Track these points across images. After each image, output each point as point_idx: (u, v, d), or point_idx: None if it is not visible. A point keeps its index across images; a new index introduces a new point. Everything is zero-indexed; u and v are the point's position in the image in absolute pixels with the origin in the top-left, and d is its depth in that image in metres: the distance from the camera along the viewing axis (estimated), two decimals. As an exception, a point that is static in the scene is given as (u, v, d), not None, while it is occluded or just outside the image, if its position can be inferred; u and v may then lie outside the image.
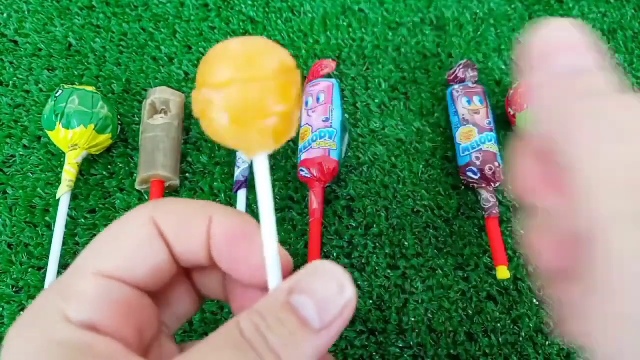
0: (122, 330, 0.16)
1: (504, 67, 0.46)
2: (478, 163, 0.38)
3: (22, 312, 0.34)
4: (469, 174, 0.39)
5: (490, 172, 0.38)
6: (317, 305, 0.15)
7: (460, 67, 0.42)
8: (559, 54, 0.14)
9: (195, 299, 0.20)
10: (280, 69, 0.16)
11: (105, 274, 0.16)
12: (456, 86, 0.42)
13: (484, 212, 0.38)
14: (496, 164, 0.38)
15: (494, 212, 0.38)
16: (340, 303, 0.15)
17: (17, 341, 0.15)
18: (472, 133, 0.39)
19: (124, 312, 0.16)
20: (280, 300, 0.15)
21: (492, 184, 0.38)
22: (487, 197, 0.38)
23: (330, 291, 0.15)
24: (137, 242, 0.17)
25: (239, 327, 0.14)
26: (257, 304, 0.15)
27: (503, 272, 0.36)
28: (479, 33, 0.48)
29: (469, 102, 0.41)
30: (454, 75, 0.43)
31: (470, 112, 0.40)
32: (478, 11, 0.49)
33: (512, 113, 0.41)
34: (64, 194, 0.37)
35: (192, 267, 0.19)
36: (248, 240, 0.17)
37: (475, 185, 0.39)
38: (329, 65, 0.43)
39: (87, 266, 0.16)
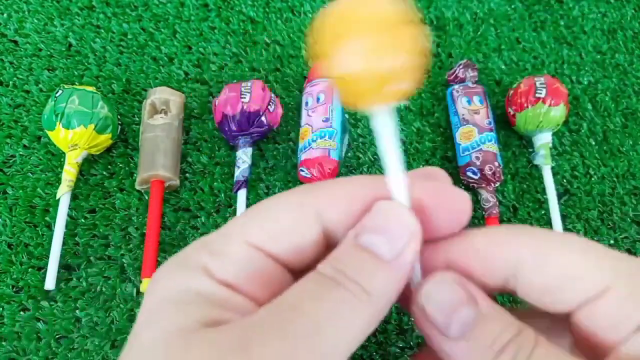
0: (257, 295, 0.17)
1: (504, 67, 0.46)
2: (478, 163, 0.38)
3: (22, 312, 0.35)
4: (469, 174, 0.39)
5: (490, 172, 0.38)
6: (384, 239, 0.16)
7: (460, 67, 0.42)
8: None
9: None
10: (408, 25, 0.16)
11: (253, 244, 0.17)
12: (456, 86, 0.42)
13: (484, 212, 0.38)
14: (496, 164, 0.38)
15: (494, 212, 0.38)
16: (405, 233, 0.16)
17: (161, 284, 0.16)
18: (472, 133, 0.39)
19: (262, 281, 0.17)
20: (349, 244, 0.16)
21: (492, 184, 0.38)
22: (487, 197, 0.38)
23: (393, 225, 0.16)
24: (292, 222, 0.17)
25: (318, 272, 0.16)
26: (329, 254, 0.16)
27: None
28: (479, 33, 0.48)
29: (469, 102, 0.41)
30: (454, 75, 0.43)
31: (470, 112, 0.40)
32: (478, 11, 0.49)
33: (512, 113, 0.41)
34: (64, 194, 0.37)
35: None
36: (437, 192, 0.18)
37: (475, 185, 0.39)
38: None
39: (237, 233, 0.17)
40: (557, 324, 0.18)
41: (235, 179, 0.38)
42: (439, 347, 0.16)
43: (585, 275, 0.16)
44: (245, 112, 0.38)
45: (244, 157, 0.39)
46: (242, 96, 0.39)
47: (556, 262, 0.16)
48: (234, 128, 0.39)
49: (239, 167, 0.39)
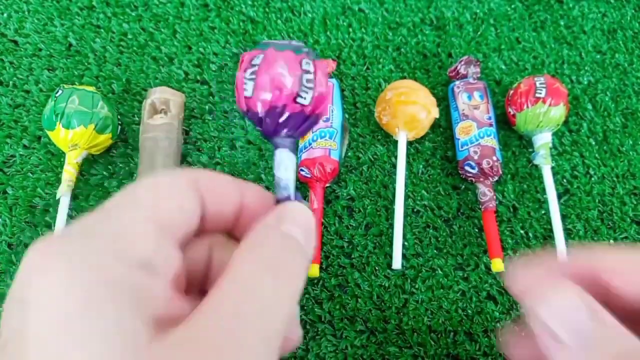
0: (171, 274, 0.16)
1: (504, 67, 0.46)
2: (476, 157, 0.38)
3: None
4: (467, 168, 0.39)
5: (487, 166, 0.38)
6: (300, 230, 0.18)
7: (462, 63, 0.42)
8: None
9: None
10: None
11: (156, 221, 0.16)
12: (457, 82, 0.42)
13: (480, 206, 0.38)
14: (494, 158, 0.38)
15: (491, 205, 0.38)
16: (312, 228, 0.19)
17: (58, 272, 0.13)
18: (471, 128, 0.39)
19: (173, 258, 0.16)
20: (276, 233, 0.18)
21: (490, 178, 0.39)
22: (484, 190, 0.38)
23: (305, 221, 0.19)
24: (181, 198, 0.17)
25: (253, 265, 0.16)
26: (253, 240, 0.17)
27: (497, 265, 0.36)
28: (479, 33, 0.48)
29: (469, 97, 0.41)
30: (455, 71, 0.43)
31: (470, 107, 0.40)
32: (478, 11, 0.49)
33: (512, 113, 0.41)
34: (64, 194, 0.36)
35: (211, 230, 0.20)
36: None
37: (473, 179, 0.39)
38: (329, 65, 0.43)
39: (137, 211, 0.16)
40: None
41: (277, 192, 0.24)
42: (551, 353, 0.16)
43: None
44: (306, 111, 0.22)
45: (287, 162, 0.24)
46: (303, 94, 0.22)
47: None
48: (284, 126, 0.23)
49: (280, 178, 0.23)
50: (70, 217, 0.38)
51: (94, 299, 0.13)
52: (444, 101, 0.44)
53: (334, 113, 0.40)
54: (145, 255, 0.15)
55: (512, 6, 0.49)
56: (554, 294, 0.16)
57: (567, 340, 0.16)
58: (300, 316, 0.35)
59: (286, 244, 0.18)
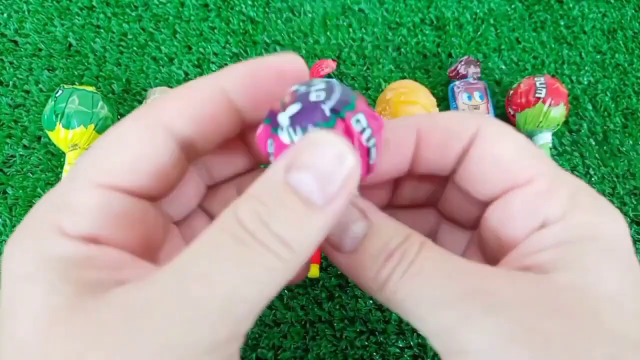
0: (127, 240, 0.15)
1: (504, 67, 0.46)
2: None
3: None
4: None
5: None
6: (317, 180, 0.13)
7: (462, 63, 0.42)
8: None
9: (201, 188, 0.19)
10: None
11: (104, 184, 0.15)
12: (457, 82, 0.42)
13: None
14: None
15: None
16: (342, 174, 0.13)
17: (13, 259, 0.14)
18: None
19: (126, 223, 0.15)
20: (277, 181, 0.13)
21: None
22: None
23: (329, 163, 0.13)
24: (141, 148, 0.15)
25: (237, 217, 0.13)
26: (251, 187, 0.14)
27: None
28: (479, 33, 0.48)
29: (469, 98, 0.41)
30: (455, 71, 0.43)
31: (470, 107, 0.40)
32: (478, 11, 0.49)
33: (512, 113, 0.41)
34: (64, 194, 0.37)
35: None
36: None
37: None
38: (329, 65, 0.43)
39: (86, 177, 0.15)
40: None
41: None
42: (337, 262, 0.16)
43: (514, 162, 0.16)
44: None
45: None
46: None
47: (498, 145, 0.17)
48: None
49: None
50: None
51: (20, 276, 0.13)
52: (444, 101, 0.44)
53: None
54: (84, 226, 0.14)
55: (512, 6, 0.49)
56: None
57: (346, 248, 0.16)
58: (300, 316, 0.35)
59: (285, 203, 0.13)
